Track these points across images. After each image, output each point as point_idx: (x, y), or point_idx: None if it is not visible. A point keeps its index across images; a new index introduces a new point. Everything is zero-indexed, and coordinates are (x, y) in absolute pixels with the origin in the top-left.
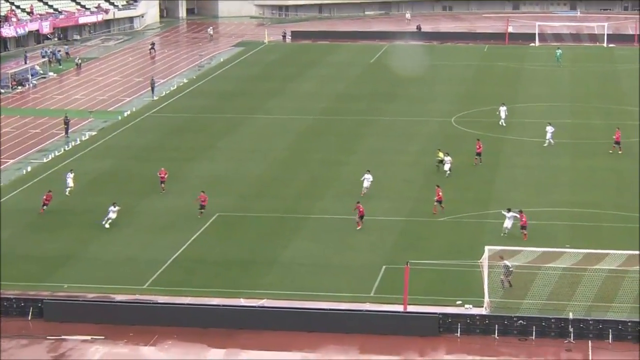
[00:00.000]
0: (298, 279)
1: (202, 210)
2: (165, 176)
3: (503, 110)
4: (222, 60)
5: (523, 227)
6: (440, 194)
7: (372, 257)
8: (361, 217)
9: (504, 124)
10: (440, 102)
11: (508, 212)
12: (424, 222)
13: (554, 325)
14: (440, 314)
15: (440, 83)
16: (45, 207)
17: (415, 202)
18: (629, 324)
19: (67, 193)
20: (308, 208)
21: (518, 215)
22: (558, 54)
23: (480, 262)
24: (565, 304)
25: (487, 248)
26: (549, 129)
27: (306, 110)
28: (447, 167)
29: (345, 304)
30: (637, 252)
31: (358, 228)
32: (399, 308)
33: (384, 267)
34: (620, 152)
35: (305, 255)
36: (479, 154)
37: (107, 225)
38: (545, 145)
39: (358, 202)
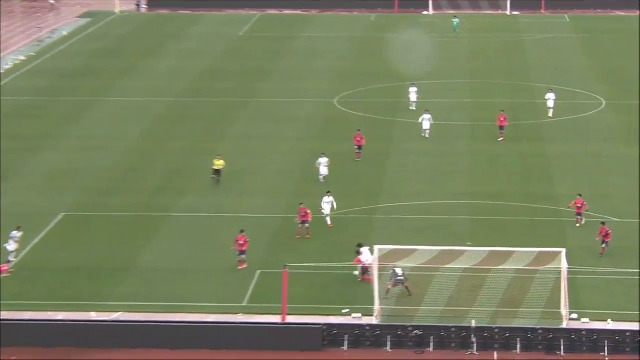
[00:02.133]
0: (158, 288)
1: None
2: None
3: (413, 92)
4: (65, 33)
5: (364, 271)
6: (307, 212)
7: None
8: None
9: (414, 108)
10: (320, 81)
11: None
12: None
13: (454, 335)
14: (324, 324)
15: (321, 58)
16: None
17: (294, 196)
18: (540, 331)
19: None
20: (169, 204)
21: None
22: (455, 23)
23: (369, 265)
24: (467, 311)
25: (377, 248)
26: (426, 117)
27: (166, 91)
28: (323, 170)
29: (213, 315)
30: (547, 250)
31: (240, 267)
32: (276, 319)
33: (258, 272)
34: (501, 139)
35: (166, 259)
36: (359, 147)
37: (13, 259)
38: (424, 135)
39: (241, 232)
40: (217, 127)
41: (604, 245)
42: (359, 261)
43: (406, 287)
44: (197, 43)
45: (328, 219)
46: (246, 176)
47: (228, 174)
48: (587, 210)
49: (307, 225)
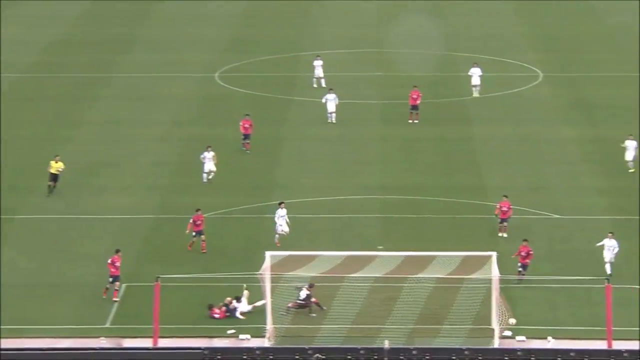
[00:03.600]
0: (1, 308)
1: None
2: None
3: (319, 66)
4: None
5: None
6: (199, 221)
7: (107, 272)
8: None
9: (317, 85)
10: (197, 51)
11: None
12: (179, 220)
13: (363, 359)
14: (205, 348)
15: (197, 24)
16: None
17: (168, 192)
18: (466, 352)
19: None
20: (12, 205)
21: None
22: None
23: (260, 275)
24: (379, 329)
25: (267, 254)
26: (330, 97)
27: (5, 66)
28: (209, 167)
29: (69, 340)
30: (474, 254)
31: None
32: (147, 343)
33: (123, 285)
34: (416, 120)
35: (11, 272)
36: (246, 136)
37: None
38: (330, 121)
39: (117, 253)
40: (71, 110)
41: (520, 269)
42: (214, 313)
43: (316, 303)
44: (43, 7)
45: (278, 236)
46: (108, 170)
47: (86, 167)
48: (510, 217)
49: (202, 236)
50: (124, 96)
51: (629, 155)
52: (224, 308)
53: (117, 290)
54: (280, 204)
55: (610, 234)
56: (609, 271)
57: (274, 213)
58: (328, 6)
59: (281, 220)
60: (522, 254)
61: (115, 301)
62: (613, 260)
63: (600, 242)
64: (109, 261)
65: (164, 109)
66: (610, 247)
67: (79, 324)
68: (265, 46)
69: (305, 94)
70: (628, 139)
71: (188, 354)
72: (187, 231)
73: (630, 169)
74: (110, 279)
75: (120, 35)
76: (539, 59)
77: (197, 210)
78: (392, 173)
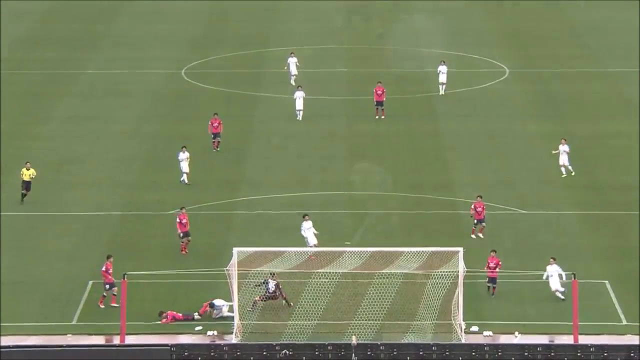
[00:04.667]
0: None
1: None
2: None
3: (293, 63)
4: None
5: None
6: (185, 220)
7: (73, 269)
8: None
9: (292, 82)
10: (165, 48)
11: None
12: (146, 216)
13: (331, 355)
14: (172, 345)
15: (164, 20)
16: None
17: (135, 188)
18: (434, 348)
19: None
20: None
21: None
22: None
23: (227, 271)
24: (347, 325)
25: (235, 250)
26: (298, 94)
27: None
28: (184, 167)
29: (35, 337)
30: (441, 249)
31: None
32: (114, 340)
33: (90, 282)
34: (383, 116)
35: None
36: (216, 135)
37: None
38: (298, 119)
39: (109, 259)
40: (38, 107)
41: (491, 284)
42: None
43: (285, 299)
44: (10, 3)
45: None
46: (75, 166)
47: (53, 164)
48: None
49: (189, 238)
50: (91, 93)
51: (562, 159)
52: (169, 316)
53: (114, 295)
54: (304, 216)
55: (552, 260)
56: (561, 297)
57: (300, 227)
58: (294, 2)
59: (309, 233)
60: (491, 265)
61: (115, 306)
62: (560, 288)
63: (544, 272)
64: (103, 269)
65: (130, 105)
66: (553, 274)
67: (46, 321)
68: (231, 42)
69: (272, 90)
70: (561, 144)
71: (155, 351)
72: (179, 232)
73: (563, 174)
74: (107, 286)
75: (87, 32)
76: (506, 55)
77: (182, 208)
78: (359, 169)
